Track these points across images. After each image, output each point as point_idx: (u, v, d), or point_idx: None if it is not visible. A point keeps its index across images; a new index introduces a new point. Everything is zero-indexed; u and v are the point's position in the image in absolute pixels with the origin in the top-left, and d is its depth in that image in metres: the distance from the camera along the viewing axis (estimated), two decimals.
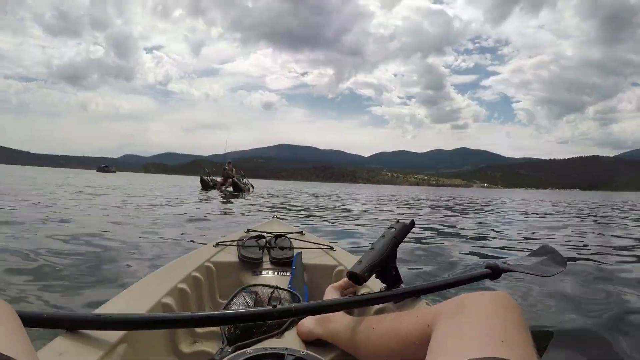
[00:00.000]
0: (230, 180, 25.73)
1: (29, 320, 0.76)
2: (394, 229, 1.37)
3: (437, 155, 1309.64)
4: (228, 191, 24.26)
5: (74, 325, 1.03)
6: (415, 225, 1.44)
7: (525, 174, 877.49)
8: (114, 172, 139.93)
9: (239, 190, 24.80)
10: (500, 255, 5.50)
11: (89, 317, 1.06)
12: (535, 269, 1.55)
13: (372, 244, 1.38)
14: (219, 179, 28.00)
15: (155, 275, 1.72)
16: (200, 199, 16.32)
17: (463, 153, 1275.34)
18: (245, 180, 26.48)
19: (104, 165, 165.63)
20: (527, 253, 1.81)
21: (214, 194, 21.45)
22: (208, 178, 27.13)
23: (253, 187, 27.35)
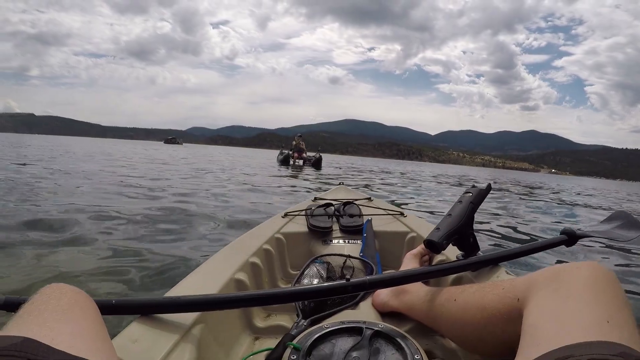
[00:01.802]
0: (304, 154, 25.68)
1: (101, 308, 0.76)
2: (470, 194, 1.33)
3: (504, 137, 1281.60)
4: (297, 165, 24.35)
5: (147, 310, 1.03)
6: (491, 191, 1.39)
7: (595, 161, 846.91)
8: (181, 143, 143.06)
9: (318, 166, 24.78)
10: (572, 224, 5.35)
11: (162, 301, 1.06)
12: (612, 234, 1.47)
13: (449, 210, 1.33)
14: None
15: (226, 251, 1.71)
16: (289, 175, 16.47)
17: (532, 136, 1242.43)
18: (317, 155, 26.37)
19: (171, 137, 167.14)
20: (602, 219, 1.72)
21: (297, 168, 21.60)
22: (286, 152, 26.75)
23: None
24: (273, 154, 28.91)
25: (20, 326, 0.57)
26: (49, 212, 4.88)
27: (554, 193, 14.17)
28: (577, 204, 10.20)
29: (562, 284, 0.77)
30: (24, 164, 11.60)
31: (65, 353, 0.52)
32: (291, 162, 25.11)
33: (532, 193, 13.67)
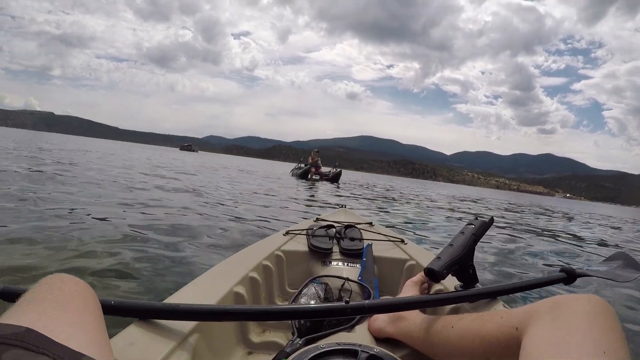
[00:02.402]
0: (320, 169, 25.70)
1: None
2: (473, 226, 1.33)
3: (520, 159, 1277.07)
4: (314, 179, 24.38)
5: (145, 314, 1.04)
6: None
7: (611, 187, 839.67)
8: (196, 151, 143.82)
9: (336, 179, 25.18)
10: (571, 263, 5.31)
11: (161, 307, 1.07)
12: (610, 274, 1.49)
13: (450, 240, 1.32)
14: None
15: (226, 264, 1.73)
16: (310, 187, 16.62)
17: (547, 159, 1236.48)
18: (335, 170, 26.45)
19: (187, 144, 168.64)
20: (600, 260, 1.73)
21: (316, 183, 21.59)
22: (302, 165, 26.78)
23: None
24: (289, 167, 29.04)
25: (20, 315, 0.57)
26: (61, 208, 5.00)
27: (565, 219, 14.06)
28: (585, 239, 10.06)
29: (560, 314, 0.78)
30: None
31: (64, 347, 0.53)
32: (309, 176, 25.06)
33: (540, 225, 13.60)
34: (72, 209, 5.09)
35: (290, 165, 32.67)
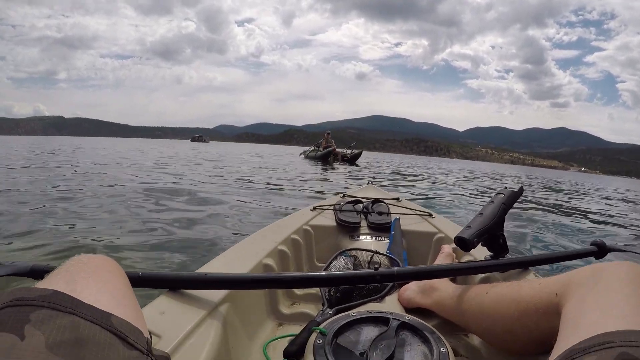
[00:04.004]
0: (336, 150, 25.30)
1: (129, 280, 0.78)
2: (502, 195, 1.33)
3: (534, 134, 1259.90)
4: (328, 162, 24.04)
5: (174, 284, 1.06)
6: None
7: (627, 160, 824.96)
8: (207, 141, 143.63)
9: (355, 160, 25.00)
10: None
11: (190, 277, 1.08)
12: None
13: (480, 209, 1.33)
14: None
15: (255, 237, 1.74)
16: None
17: (561, 133, 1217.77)
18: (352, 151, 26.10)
19: (198, 135, 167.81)
20: (633, 236, 1.71)
21: (335, 164, 21.64)
22: (319, 149, 26.30)
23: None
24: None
25: (47, 284, 0.56)
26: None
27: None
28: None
29: (602, 280, 0.78)
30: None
31: (92, 307, 0.53)
32: (330, 160, 24.60)
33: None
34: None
35: (302, 149, 32.32)
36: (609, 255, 1.38)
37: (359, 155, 25.74)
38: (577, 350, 0.59)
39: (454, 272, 1.30)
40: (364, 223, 2.16)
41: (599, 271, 0.82)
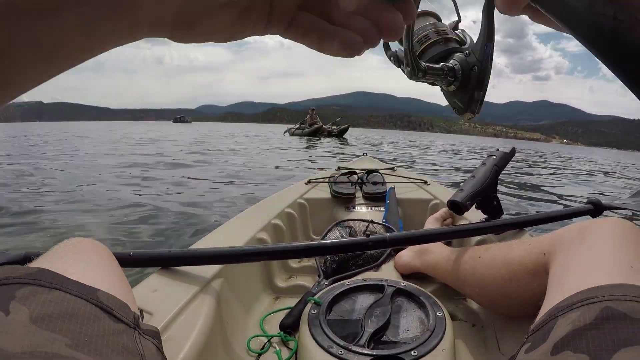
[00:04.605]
0: (319, 125, 25.78)
1: (118, 261, 0.76)
2: (494, 157, 1.32)
3: (516, 107, 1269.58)
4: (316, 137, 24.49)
5: (166, 262, 1.04)
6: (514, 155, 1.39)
7: (607, 132, 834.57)
8: (189, 122, 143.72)
9: (342, 135, 25.69)
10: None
11: (182, 253, 1.07)
12: (639, 207, 1.46)
13: (472, 172, 1.32)
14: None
15: (249, 212, 1.72)
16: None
17: (543, 106, 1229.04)
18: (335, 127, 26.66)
19: (180, 116, 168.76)
20: (629, 194, 1.70)
21: (322, 139, 22.09)
22: (305, 125, 26.77)
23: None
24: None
25: (35, 264, 0.57)
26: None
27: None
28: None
29: (588, 236, 0.78)
30: None
31: (78, 282, 0.53)
32: (318, 136, 25.08)
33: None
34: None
35: (285, 127, 32.52)
36: (606, 214, 1.37)
37: (346, 129, 26.23)
38: (561, 307, 0.59)
39: (447, 235, 1.29)
40: (359, 194, 2.15)
41: (585, 229, 0.81)
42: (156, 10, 0.29)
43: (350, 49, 0.35)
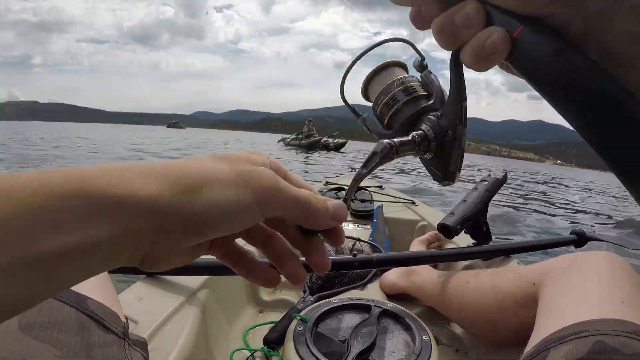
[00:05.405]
0: (318, 138, 25.82)
1: None
2: (486, 182, 1.33)
3: (510, 126, 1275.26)
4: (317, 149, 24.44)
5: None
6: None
7: None
8: (183, 128, 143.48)
9: (339, 149, 25.70)
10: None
11: None
12: (621, 240, 1.49)
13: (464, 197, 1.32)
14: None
15: None
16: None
17: (538, 126, 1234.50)
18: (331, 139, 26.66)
19: (174, 121, 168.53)
20: (612, 225, 1.72)
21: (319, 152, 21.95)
22: (301, 137, 26.84)
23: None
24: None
25: None
26: None
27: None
28: None
29: (579, 269, 0.78)
30: None
31: (69, 290, 0.53)
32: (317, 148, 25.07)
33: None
34: None
35: (280, 137, 32.46)
36: (589, 244, 1.38)
37: (343, 144, 26.16)
38: (553, 339, 0.59)
39: (435, 259, 1.29)
40: None
41: (574, 261, 0.82)
42: (129, 260, 0.29)
43: (269, 284, 0.42)
